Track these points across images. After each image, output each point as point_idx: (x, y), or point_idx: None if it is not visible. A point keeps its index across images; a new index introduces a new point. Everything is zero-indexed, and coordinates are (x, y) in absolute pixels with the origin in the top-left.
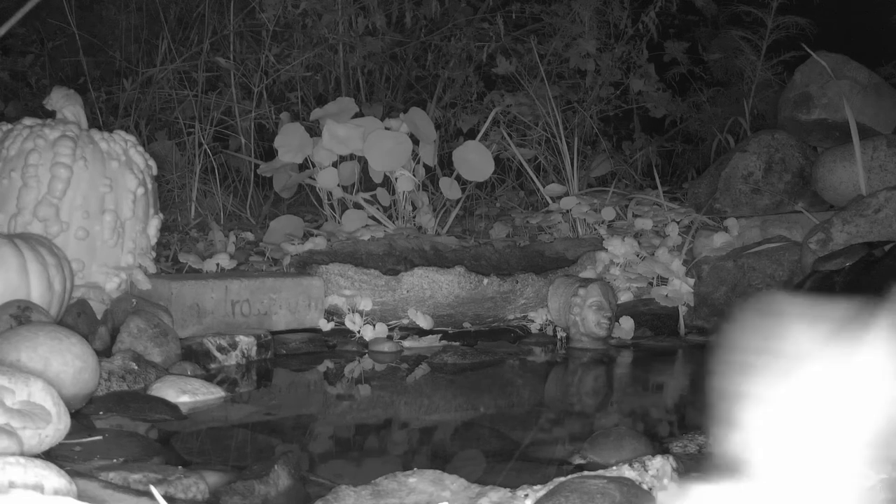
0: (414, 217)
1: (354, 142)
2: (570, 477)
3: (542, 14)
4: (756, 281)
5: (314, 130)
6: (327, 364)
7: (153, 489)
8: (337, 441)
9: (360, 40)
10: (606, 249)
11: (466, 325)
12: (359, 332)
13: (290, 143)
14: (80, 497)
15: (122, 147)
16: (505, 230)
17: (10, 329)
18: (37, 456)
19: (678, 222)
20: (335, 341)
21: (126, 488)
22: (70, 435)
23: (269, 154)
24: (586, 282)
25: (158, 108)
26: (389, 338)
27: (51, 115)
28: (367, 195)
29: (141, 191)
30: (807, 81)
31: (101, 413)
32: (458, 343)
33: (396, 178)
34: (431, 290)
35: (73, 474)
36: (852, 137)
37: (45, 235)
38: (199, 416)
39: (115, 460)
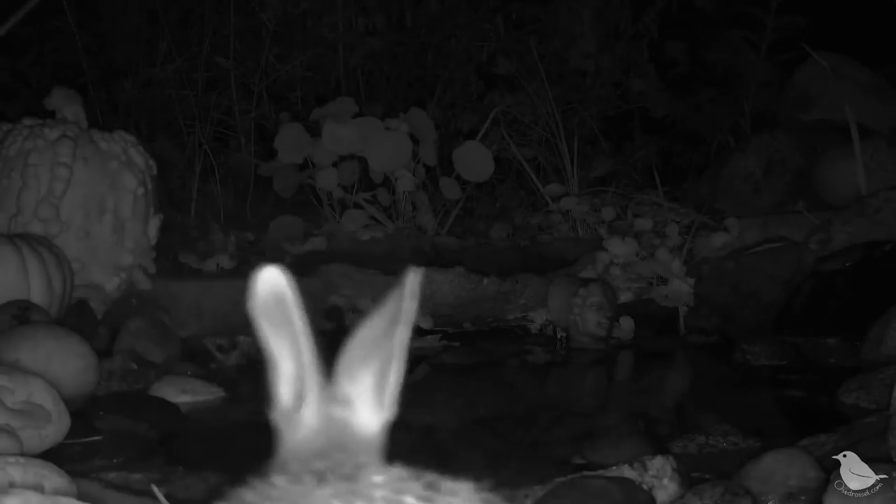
0: (414, 217)
1: (354, 142)
2: (570, 477)
3: (542, 14)
4: (756, 281)
5: (314, 130)
6: None
7: (154, 488)
8: None
9: (360, 40)
10: (606, 249)
11: (466, 325)
12: None
13: (290, 143)
14: (80, 497)
15: (122, 147)
16: (505, 230)
17: (11, 329)
18: (37, 456)
19: (678, 222)
20: (335, 341)
21: (126, 488)
22: (70, 435)
23: (270, 154)
24: (586, 282)
25: (158, 108)
26: None
27: (51, 115)
28: (367, 195)
29: (141, 191)
30: (807, 81)
31: (101, 413)
32: (458, 343)
33: (396, 178)
34: (431, 290)
35: (73, 474)
36: (852, 137)
37: (45, 235)
38: (199, 415)
39: (115, 460)
